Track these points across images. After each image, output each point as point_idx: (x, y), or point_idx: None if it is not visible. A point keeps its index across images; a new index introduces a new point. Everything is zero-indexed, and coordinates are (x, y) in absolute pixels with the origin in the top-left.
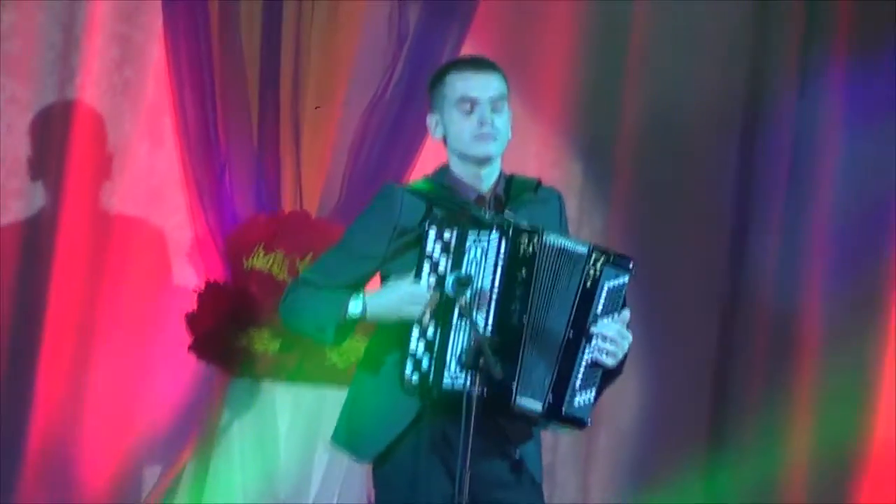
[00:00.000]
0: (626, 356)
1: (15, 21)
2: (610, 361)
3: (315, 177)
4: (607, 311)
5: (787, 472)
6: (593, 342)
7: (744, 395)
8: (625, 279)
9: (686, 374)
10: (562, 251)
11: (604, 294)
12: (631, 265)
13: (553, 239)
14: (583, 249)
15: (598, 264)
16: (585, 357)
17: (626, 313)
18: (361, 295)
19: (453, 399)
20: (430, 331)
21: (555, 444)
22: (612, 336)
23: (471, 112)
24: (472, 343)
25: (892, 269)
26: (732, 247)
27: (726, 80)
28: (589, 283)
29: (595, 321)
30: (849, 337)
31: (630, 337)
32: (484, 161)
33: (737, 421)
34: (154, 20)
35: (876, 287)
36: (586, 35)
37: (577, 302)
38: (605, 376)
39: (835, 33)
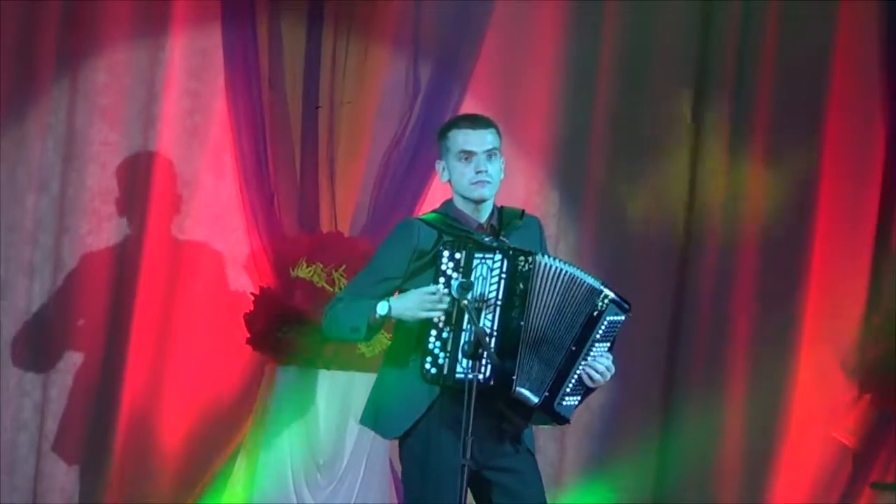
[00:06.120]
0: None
1: (108, 81)
2: (593, 384)
3: (347, 203)
4: (604, 339)
5: (721, 458)
6: (588, 359)
7: (688, 384)
8: (622, 317)
9: (642, 359)
10: (572, 278)
11: (604, 324)
12: (629, 308)
13: (558, 264)
14: (598, 286)
15: (606, 300)
16: (578, 369)
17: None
18: (387, 299)
19: (464, 387)
20: (445, 333)
21: None
22: (600, 368)
23: (469, 162)
24: (472, 335)
25: (804, 281)
26: (679, 260)
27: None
28: (595, 313)
29: (593, 344)
30: (769, 333)
31: (614, 371)
32: (480, 201)
33: (683, 402)
34: (217, 78)
35: (791, 294)
36: (560, 93)
37: (583, 324)
38: (587, 389)
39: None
